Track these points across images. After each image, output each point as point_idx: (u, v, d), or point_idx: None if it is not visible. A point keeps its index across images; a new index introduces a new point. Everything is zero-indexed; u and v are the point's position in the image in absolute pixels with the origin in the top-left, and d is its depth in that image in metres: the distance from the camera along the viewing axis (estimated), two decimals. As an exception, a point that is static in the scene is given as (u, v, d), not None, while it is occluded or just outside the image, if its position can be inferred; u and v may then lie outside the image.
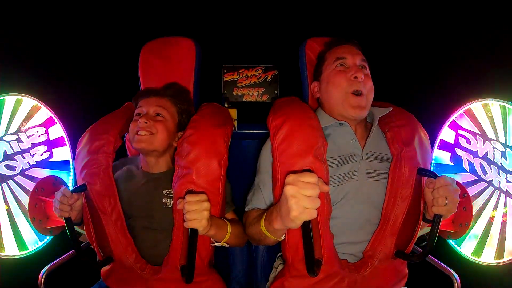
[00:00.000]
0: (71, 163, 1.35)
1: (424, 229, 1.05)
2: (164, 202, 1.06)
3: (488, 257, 1.22)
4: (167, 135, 1.07)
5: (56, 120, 1.33)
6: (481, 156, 1.24)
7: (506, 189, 1.20)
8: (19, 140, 1.29)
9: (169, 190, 1.06)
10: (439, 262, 1.12)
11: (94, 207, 1.01)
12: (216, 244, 0.99)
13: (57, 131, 1.34)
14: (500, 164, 1.21)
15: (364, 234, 0.98)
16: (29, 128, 1.30)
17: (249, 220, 1.00)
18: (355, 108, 1.00)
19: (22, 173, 1.29)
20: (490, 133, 1.23)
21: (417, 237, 1.00)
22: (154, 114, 1.07)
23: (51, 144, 1.33)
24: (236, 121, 1.59)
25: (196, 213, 0.84)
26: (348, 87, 1.00)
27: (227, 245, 1.01)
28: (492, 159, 1.22)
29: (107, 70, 1.57)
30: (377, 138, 1.05)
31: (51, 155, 1.33)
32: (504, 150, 1.20)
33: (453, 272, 1.07)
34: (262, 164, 1.05)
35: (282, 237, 0.92)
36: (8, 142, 1.28)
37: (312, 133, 0.96)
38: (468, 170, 1.26)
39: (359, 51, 1.07)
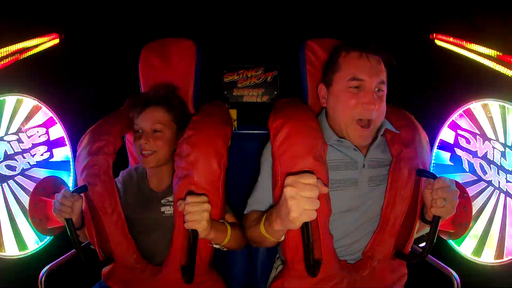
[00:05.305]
0: (71, 163, 1.35)
1: (425, 229, 1.05)
2: (162, 210, 1.07)
3: (488, 257, 1.22)
4: (169, 147, 1.08)
5: (56, 121, 1.33)
6: (480, 156, 1.24)
7: (506, 189, 1.20)
8: (19, 140, 1.29)
9: (167, 198, 1.07)
10: (439, 262, 1.12)
11: (94, 208, 1.01)
12: (215, 246, 1.00)
13: (58, 131, 1.34)
14: (499, 164, 1.20)
15: (361, 235, 0.99)
16: (29, 128, 1.30)
17: (248, 222, 1.00)
18: (358, 138, 0.97)
19: (23, 173, 1.29)
20: (489, 133, 1.23)
21: (418, 237, 1.00)
22: (151, 131, 1.07)
23: (51, 144, 1.33)
24: (236, 121, 1.59)
25: (197, 214, 0.85)
26: (357, 114, 0.95)
27: (225, 249, 1.01)
28: (492, 159, 1.22)
29: (108, 71, 1.57)
30: (380, 145, 1.04)
31: (51, 155, 1.33)
32: (503, 150, 1.20)
33: (453, 272, 1.07)
34: (263, 166, 1.05)
35: (282, 238, 0.92)
36: (9, 142, 1.28)
37: (312, 135, 0.96)
38: (467, 170, 1.26)
39: (379, 67, 0.96)
